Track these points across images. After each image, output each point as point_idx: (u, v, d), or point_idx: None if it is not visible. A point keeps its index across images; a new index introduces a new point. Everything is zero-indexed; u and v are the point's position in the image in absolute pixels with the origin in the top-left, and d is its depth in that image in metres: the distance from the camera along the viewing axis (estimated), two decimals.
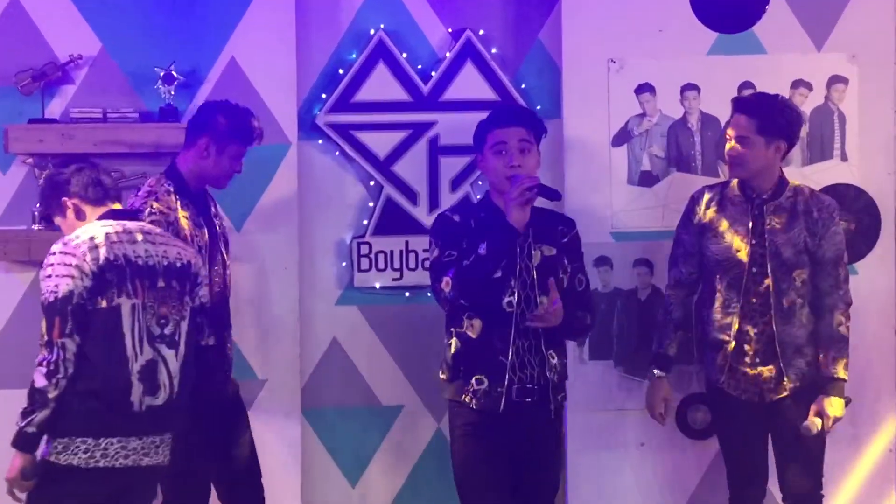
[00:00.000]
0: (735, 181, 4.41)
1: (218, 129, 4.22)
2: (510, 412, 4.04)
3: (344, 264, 4.97)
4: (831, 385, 4.29)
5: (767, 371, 4.31)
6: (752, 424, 4.39)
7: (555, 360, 4.10)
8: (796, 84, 4.90)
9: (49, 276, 3.59)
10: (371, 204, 4.97)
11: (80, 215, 3.79)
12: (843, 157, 4.94)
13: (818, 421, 4.27)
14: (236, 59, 4.80)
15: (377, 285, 4.97)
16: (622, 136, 4.90)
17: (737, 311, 4.31)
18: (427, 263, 4.79)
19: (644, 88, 4.88)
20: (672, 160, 4.91)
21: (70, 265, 3.57)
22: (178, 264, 3.78)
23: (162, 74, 4.68)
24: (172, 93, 4.70)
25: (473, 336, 4.07)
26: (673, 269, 4.53)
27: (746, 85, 4.86)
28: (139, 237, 3.72)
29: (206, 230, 4.22)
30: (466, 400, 4.07)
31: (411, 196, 4.97)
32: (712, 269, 4.38)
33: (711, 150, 4.89)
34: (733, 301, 4.32)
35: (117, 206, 3.84)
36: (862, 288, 4.82)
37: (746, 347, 4.32)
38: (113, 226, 3.71)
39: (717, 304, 4.36)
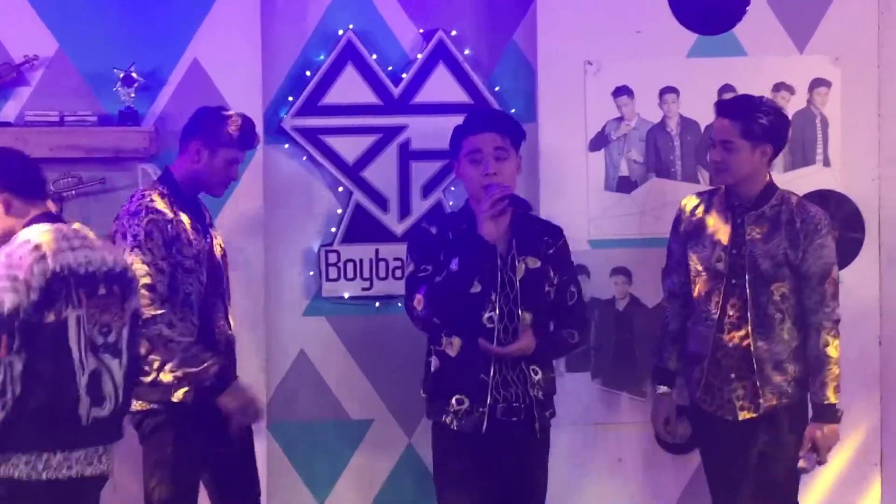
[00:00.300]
0: (723, 187, 4.30)
1: (209, 133, 4.13)
2: (493, 432, 3.93)
3: (311, 273, 4.87)
4: (821, 412, 4.17)
5: (742, 387, 4.17)
6: (729, 441, 4.24)
7: (538, 376, 3.98)
8: (778, 87, 4.84)
9: None
10: (339, 211, 4.87)
11: (9, 209, 3.58)
12: (826, 163, 4.88)
13: (811, 459, 4.18)
14: (199, 60, 4.70)
15: (346, 295, 4.87)
16: (599, 141, 4.82)
17: (714, 324, 4.19)
18: (399, 273, 4.72)
19: (622, 91, 4.80)
20: (651, 165, 4.84)
21: (15, 279, 3.39)
22: (117, 269, 3.61)
23: (121, 76, 4.57)
24: (132, 95, 4.59)
25: (453, 355, 3.95)
26: (666, 279, 4.44)
27: (727, 88, 4.79)
28: (77, 243, 3.54)
29: (203, 237, 4.14)
30: (447, 421, 3.97)
31: (381, 202, 4.87)
32: (692, 280, 4.28)
33: (691, 155, 4.82)
34: (711, 313, 4.20)
35: (52, 208, 3.67)
36: (846, 297, 4.73)
37: (723, 362, 4.19)
38: (52, 231, 3.52)
39: (696, 316, 4.26)
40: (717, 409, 4.22)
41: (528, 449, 4.01)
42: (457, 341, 3.94)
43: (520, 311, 3.94)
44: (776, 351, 4.16)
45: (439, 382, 3.99)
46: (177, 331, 3.96)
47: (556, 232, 4.11)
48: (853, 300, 4.76)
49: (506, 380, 3.93)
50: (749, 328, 4.14)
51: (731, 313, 4.17)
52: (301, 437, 4.89)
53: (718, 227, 4.22)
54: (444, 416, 3.97)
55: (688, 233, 4.30)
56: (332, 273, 4.84)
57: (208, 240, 4.18)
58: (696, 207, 4.31)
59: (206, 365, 3.96)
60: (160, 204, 4.03)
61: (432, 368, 4.00)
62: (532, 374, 3.96)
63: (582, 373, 4.78)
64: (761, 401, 4.15)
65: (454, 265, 3.82)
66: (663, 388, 4.37)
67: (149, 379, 4.02)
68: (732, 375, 4.17)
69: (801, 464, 4.18)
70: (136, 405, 3.99)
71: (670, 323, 4.38)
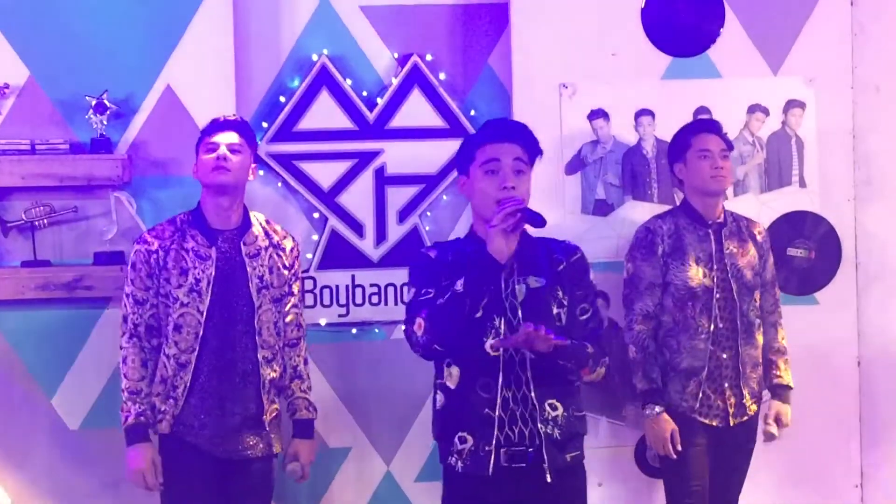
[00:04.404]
0: (670, 210, 4.55)
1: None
2: (502, 475, 3.48)
3: None
4: (785, 393, 4.52)
5: (732, 394, 4.40)
6: (713, 449, 4.41)
7: (556, 412, 3.51)
8: (752, 108, 4.87)
9: None
10: (315, 237, 4.82)
11: None
12: (802, 184, 4.88)
13: (775, 427, 4.48)
14: (172, 86, 4.64)
15: (322, 322, 4.82)
16: (575, 164, 4.80)
17: (709, 337, 4.36)
18: (375, 299, 4.71)
19: (597, 114, 4.79)
20: (627, 188, 4.83)
21: None
22: None
23: (94, 103, 4.52)
24: (105, 123, 4.54)
25: (452, 387, 3.53)
26: (638, 302, 4.44)
27: (702, 110, 4.82)
28: None
29: (212, 263, 4.05)
30: (452, 462, 3.54)
31: (357, 228, 4.83)
32: (681, 298, 4.39)
33: (667, 177, 4.80)
34: (704, 327, 4.36)
35: None
36: (823, 318, 4.81)
37: (718, 373, 4.37)
38: None
39: (690, 331, 4.38)
40: (713, 418, 4.39)
41: (541, 496, 3.50)
42: (455, 371, 3.53)
43: None
44: (756, 355, 4.46)
45: (444, 420, 3.58)
46: (126, 367, 4.05)
47: (568, 249, 3.67)
48: (830, 321, 4.83)
49: (513, 416, 3.48)
50: (738, 337, 4.38)
51: (721, 326, 4.37)
52: (278, 466, 4.81)
53: (696, 247, 4.39)
54: (449, 458, 3.55)
55: (667, 254, 4.40)
56: (309, 300, 4.79)
57: (225, 264, 4.07)
58: (668, 230, 4.43)
59: (124, 412, 4.03)
60: (156, 233, 4.09)
61: (437, 406, 3.60)
62: (549, 409, 3.50)
63: None
64: (746, 403, 4.41)
65: (459, 286, 3.40)
66: (659, 408, 4.34)
67: None
68: (725, 385, 4.38)
69: (767, 429, 4.47)
70: None
71: (650, 345, 4.42)
